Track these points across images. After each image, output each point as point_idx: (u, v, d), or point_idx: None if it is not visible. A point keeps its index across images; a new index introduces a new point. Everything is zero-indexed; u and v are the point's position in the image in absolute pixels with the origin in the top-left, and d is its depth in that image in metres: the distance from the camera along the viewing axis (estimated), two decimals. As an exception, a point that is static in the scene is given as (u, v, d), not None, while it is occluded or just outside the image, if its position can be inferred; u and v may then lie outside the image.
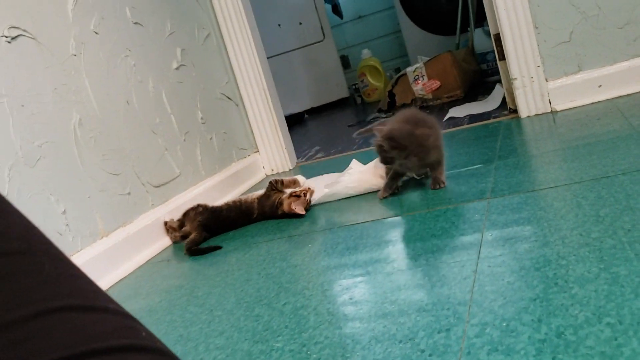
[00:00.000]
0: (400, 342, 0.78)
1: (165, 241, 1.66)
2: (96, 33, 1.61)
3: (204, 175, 1.98)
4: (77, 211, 1.42)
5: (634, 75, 1.85)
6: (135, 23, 1.79)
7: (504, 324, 0.75)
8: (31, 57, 1.39)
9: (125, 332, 0.39)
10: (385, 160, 1.45)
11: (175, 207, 1.74)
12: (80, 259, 1.37)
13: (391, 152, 1.40)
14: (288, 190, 1.63)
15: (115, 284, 1.44)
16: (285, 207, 1.57)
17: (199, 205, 1.67)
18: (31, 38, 1.39)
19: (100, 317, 0.39)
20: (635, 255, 0.83)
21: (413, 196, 1.47)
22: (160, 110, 1.82)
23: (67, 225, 1.38)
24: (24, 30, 1.38)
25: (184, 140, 1.91)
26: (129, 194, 1.60)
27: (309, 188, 1.64)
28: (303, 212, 1.55)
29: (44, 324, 0.35)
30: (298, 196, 1.59)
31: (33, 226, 0.43)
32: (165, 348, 0.41)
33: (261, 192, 1.68)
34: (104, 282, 1.40)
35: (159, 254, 1.61)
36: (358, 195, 1.62)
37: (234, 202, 1.69)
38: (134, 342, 0.38)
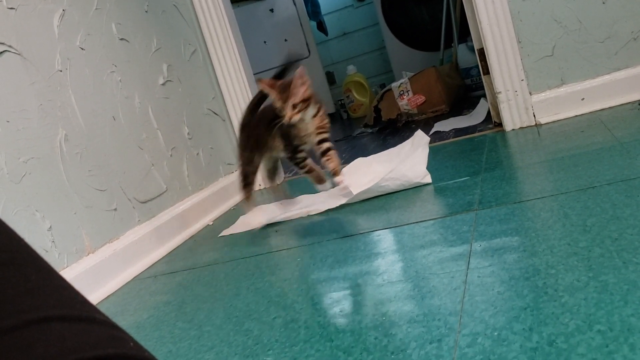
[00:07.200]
0: (392, 353, 0.78)
1: (153, 257, 1.64)
2: (82, 49, 1.60)
3: (191, 190, 1.97)
4: (63, 227, 1.41)
5: (616, 88, 1.88)
6: (121, 39, 1.79)
7: (496, 334, 0.75)
8: (16, 73, 1.38)
9: (112, 343, 0.38)
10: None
11: (162, 222, 1.73)
12: (66, 276, 1.34)
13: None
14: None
15: (102, 301, 1.42)
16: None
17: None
18: (16, 54, 1.39)
19: (87, 327, 0.39)
20: (624, 264, 0.83)
21: (400, 208, 1.47)
22: (147, 126, 1.81)
23: (53, 241, 1.36)
24: (9, 46, 1.37)
25: (171, 155, 1.90)
26: (115, 210, 1.59)
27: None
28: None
29: (26, 335, 0.34)
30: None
31: (19, 238, 0.42)
32: (153, 358, 0.40)
33: None
34: (90, 299, 1.36)
35: (146, 270, 1.59)
36: (346, 206, 1.62)
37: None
38: (120, 352, 0.38)
